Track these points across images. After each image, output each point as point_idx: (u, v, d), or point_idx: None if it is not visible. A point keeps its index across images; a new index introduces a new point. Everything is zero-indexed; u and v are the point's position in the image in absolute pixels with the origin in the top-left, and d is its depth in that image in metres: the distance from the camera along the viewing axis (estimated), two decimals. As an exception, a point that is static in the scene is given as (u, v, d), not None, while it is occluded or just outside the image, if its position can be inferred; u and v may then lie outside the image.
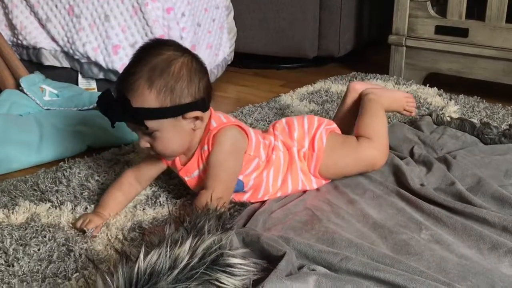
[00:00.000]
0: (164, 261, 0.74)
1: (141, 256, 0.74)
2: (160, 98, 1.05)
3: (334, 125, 1.28)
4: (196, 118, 1.10)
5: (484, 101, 1.85)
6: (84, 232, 1.09)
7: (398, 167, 1.27)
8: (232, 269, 0.77)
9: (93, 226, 1.09)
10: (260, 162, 1.17)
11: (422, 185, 1.21)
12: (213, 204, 0.93)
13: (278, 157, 1.20)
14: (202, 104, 1.10)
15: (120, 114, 1.07)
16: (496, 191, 1.16)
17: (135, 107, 1.05)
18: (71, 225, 1.13)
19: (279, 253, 0.89)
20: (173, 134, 1.09)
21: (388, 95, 1.35)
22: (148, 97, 1.05)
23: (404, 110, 1.39)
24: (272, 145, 1.20)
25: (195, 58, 1.11)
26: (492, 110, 1.76)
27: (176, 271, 0.73)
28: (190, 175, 1.16)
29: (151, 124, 1.06)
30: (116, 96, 1.07)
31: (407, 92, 1.92)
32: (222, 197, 1.06)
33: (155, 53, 1.08)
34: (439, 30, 2.00)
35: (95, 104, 1.65)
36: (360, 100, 1.35)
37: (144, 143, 1.10)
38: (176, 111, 1.07)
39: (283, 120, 1.26)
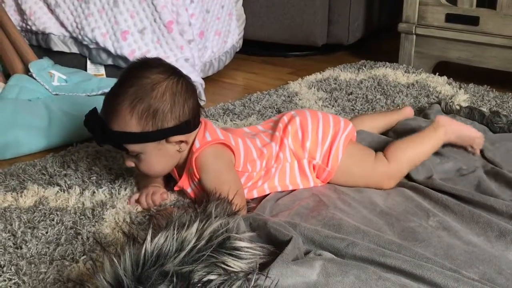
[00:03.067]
0: (171, 243, 0.74)
1: (148, 238, 0.75)
2: (141, 122, 1.04)
3: (350, 127, 1.21)
4: (181, 141, 1.09)
5: (494, 90, 1.83)
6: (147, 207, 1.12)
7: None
8: (239, 252, 0.77)
9: (160, 196, 1.13)
10: (254, 173, 1.14)
11: (429, 178, 1.19)
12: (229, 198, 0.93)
13: (284, 168, 1.16)
14: (186, 127, 1.08)
15: (101, 136, 1.07)
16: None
17: (115, 131, 1.05)
18: (131, 203, 1.14)
19: (285, 238, 0.89)
20: (157, 157, 1.08)
21: (458, 128, 1.26)
22: (129, 122, 1.04)
23: (470, 147, 1.29)
24: (274, 156, 1.16)
25: (182, 79, 1.09)
26: (502, 100, 1.75)
27: (183, 253, 0.73)
28: (186, 189, 1.15)
29: (132, 147, 1.07)
30: (97, 118, 1.07)
31: (417, 80, 1.91)
32: (236, 203, 0.98)
33: (139, 75, 1.06)
34: (450, 18, 1.98)
35: (104, 90, 1.67)
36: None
37: (129, 163, 1.11)
38: (158, 135, 1.06)
39: (297, 119, 1.18)
